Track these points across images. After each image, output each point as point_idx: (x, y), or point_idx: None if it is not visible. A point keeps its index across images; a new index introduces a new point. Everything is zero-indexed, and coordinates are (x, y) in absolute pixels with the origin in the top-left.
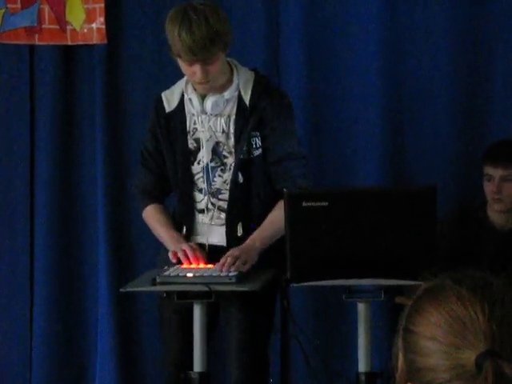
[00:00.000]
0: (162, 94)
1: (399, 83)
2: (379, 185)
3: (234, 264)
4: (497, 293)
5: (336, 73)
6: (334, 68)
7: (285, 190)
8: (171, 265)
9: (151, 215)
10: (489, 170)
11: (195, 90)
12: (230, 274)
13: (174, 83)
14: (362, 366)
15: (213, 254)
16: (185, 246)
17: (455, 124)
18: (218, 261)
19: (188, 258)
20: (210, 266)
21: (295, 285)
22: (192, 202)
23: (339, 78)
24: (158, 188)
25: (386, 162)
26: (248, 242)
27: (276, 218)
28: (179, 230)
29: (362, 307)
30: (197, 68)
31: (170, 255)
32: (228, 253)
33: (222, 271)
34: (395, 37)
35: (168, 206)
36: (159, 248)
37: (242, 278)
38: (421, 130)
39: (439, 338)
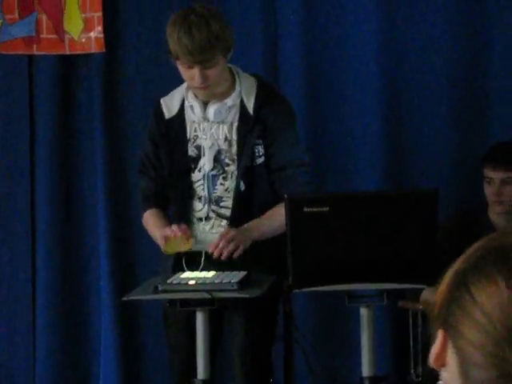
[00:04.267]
0: (161, 100)
1: (398, 86)
2: (380, 189)
3: (227, 246)
4: None
5: (334, 76)
6: (332, 72)
7: (285, 195)
8: (172, 273)
9: (148, 219)
10: (489, 173)
11: (196, 96)
12: (232, 281)
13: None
14: (365, 371)
15: (212, 261)
16: (168, 228)
17: (454, 127)
18: (219, 269)
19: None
20: (211, 273)
21: (297, 290)
22: (190, 210)
23: (337, 82)
24: (159, 195)
25: (385, 165)
26: (245, 226)
27: (276, 214)
28: None
29: (364, 312)
30: (195, 71)
31: (161, 243)
32: (222, 232)
33: (222, 278)
34: (393, 39)
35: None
36: (161, 256)
37: (243, 284)
38: (420, 133)
39: (495, 321)
